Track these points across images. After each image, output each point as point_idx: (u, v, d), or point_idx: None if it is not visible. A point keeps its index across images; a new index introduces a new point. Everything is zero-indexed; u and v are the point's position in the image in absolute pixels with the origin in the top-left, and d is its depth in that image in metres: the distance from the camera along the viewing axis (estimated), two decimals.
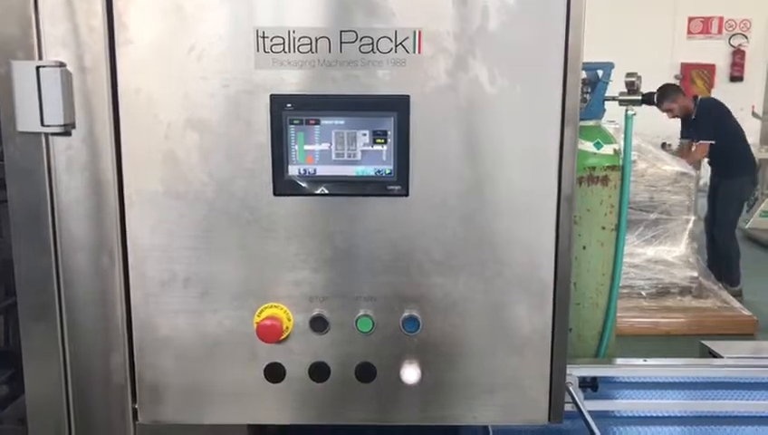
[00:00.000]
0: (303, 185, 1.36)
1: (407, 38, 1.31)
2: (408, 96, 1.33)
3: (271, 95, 1.32)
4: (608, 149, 2.72)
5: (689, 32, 10.55)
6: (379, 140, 1.34)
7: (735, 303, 5.81)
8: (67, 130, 1.33)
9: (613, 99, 2.71)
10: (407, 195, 1.36)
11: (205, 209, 1.37)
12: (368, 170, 1.35)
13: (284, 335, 1.39)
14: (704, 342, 2.58)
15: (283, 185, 1.36)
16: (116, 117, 1.34)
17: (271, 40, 1.31)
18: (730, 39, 10.69)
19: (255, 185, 1.36)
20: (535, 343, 1.42)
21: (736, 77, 10.69)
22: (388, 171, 1.35)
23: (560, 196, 1.36)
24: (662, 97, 6.21)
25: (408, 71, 1.32)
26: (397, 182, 1.36)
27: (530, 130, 1.35)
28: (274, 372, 1.42)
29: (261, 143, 1.35)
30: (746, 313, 5.66)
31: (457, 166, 1.36)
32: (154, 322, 1.41)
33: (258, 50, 1.31)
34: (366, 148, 1.35)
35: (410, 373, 1.41)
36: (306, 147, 1.35)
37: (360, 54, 1.31)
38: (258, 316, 1.39)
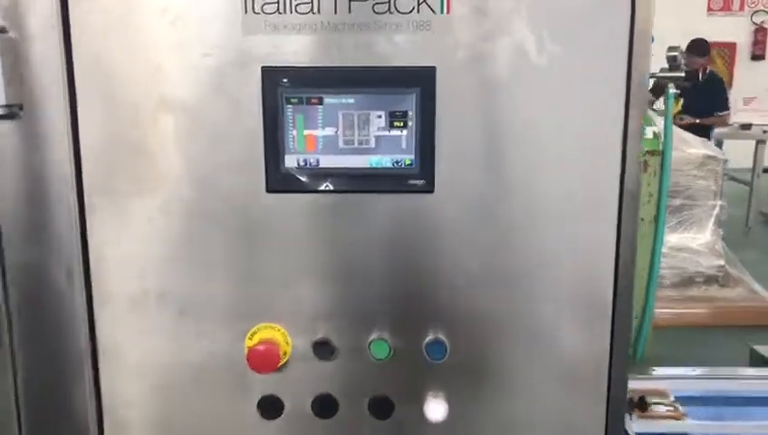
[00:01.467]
0: (303, 180, 1.09)
1: None
2: (434, 68, 1.06)
3: (262, 67, 1.06)
4: (647, 132, 2.44)
5: (709, 8, 10.17)
6: (397, 123, 1.08)
7: (765, 292, 5.52)
8: (12, 112, 1.07)
9: (653, 76, 2.42)
10: (431, 191, 1.10)
11: (182, 211, 1.11)
12: (383, 161, 1.09)
13: (282, 362, 1.14)
14: (755, 347, 2.32)
15: (279, 180, 1.09)
16: (72, 97, 1.08)
17: None
18: (752, 16, 10.30)
19: (244, 180, 1.10)
20: (588, 371, 1.15)
21: (758, 55, 10.32)
22: (408, 162, 1.09)
23: (622, 192, 1.10)
24: (698, 50, 6.52)
25: (434, 36, 1.05)
26: (419, 176, 1.09)
27: (586, 112, 1.08)
28: (270, 407, 1.16)
29: (251, 128, 1.08)
30: None
31: (495, 156, 1.09)
32: (123, 346, 1.15)
33: (246, 11, 1.05)
34: (381, 133, 1.08)
35: (435, 409, 1.15)
36: (307, 132, 1.08)
37: (374, 15, 1.05)
38: (250, 340, 1.14)
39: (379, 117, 1.08)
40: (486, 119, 1.08)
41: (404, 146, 1.08)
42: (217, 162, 1.10)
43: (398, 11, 1.04)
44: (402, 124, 1.08)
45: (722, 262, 5.64)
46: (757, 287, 5.61)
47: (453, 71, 1.06)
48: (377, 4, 1.04)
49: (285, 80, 1.06)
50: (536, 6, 1.04)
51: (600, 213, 1.10)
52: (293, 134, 1.08)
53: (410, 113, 1.07)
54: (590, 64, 1.06)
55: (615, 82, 1.07)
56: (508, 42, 1.05)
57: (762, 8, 10.28)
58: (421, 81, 1.06)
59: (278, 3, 1.04)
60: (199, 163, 1.10)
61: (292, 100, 1.07)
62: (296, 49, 1.06)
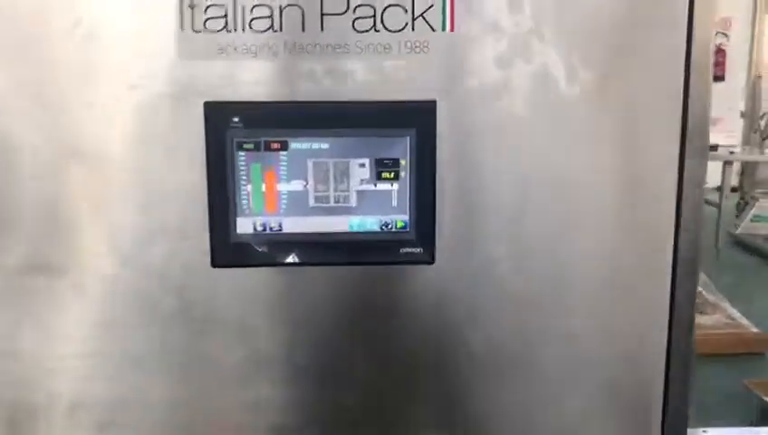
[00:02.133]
0: (262, 250, 0.83)
1: (431, 6, 0.79)
2: (434, 102, 0.81)
3: (206, 103, 0.79)
4: None
5: None
6: (386, 175, 0.82)
7: (743, 319, 5.38)
8: None
9: None
10: (431, 262, 0.84)
11: (102, 293, 0.84)
12: (368, 224, 0.83)
13: None
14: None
15: (228, 251, 0.83)
16: None
17: (204, 11, 0.78)
18: None
19: (184, 251, 0.83)
20: None
21: (718, 77, 10.34)
22: (401, 224, 0.83)
23: (676, 260, 0.85)
24: None
25: (434, 60, 0.80)
26: (415, 242, 0.83)
27: (630, 154, 0.84)
28: None
29: (191, 183, 0.81)
30: (755, 329, 5.23)
31: (514, 213, 0.84)
32: None
33: (184, 28, 0.78)
34: (365, 187, 0.82)
35: None
36: (266, 187, 0.82)
37: (355, 34, 0.79)
38: None
39: (362, 166, 0.82)
40: (502, 166, 0.83)
41: (395, 204, 0.83)
42: (147, 228, 0.82)
43: (387, 28, 0.79)
44: (392, 176, 0.82)
45: (698, 288, 5.49)
46: (735, 314, 5.48)
47: (458, 105, 0.81)
48: (358, 19, 0.78)
49: (236, 119, 0.80)
50: (565, 23, 0.80)
51: (649, 288, 0.86)
52: (248, 190, 0.81)
53: (403, 162, 0.82)
54: (633, 95, 0.82)
55: (667, 116, 0.83)
56: (530, 68, 0.81)
57: (719, 30, 10.32)
58: (417, 119, 0.81)
59: (226, 17, 0.78)
60: (123, 229, 0.82)
61: (246, 145, 0.80)
62: (251, 78, 0.80)
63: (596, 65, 0.81)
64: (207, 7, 0.78)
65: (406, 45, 0.79)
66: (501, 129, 0.82)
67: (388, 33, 0.79)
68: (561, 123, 0.82)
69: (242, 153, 0.81)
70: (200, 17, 0.78)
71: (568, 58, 0.81)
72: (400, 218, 0.83)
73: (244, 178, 0.81)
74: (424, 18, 0.79)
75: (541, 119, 0.82)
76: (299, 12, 0.78)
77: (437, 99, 0.81)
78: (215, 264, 0.83)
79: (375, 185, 0.82)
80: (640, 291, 0.86)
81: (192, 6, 0.77)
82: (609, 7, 0.80)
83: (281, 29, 0.78)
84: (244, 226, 0.82)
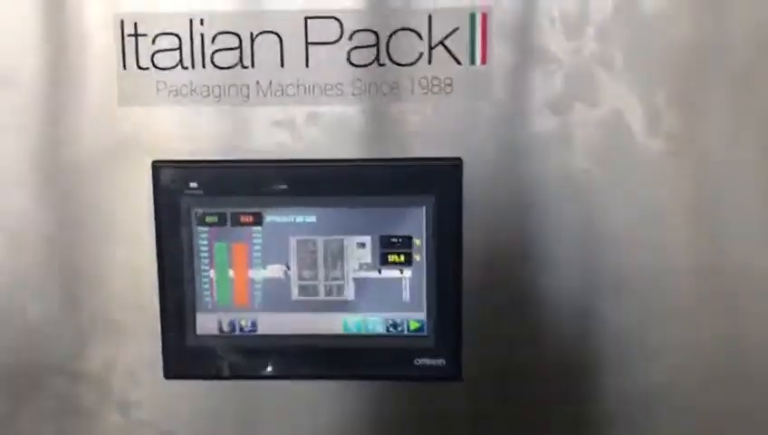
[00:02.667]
0: (229, 358, 0.62)
1: (455, 30, 0.57)
2: (460, 160, 0.59)
3: (154, 163, 0.60)
4: None
5: None
6: (394, 258, 0.60)
7: None
8: None
9: None
10: (457, 377, 0.61)
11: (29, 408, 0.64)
12: (370, 323, 0.61)
13: None
14: None
15: (186, 358, 0.62)
16: None
17: (152, 41, 0.59)
18: None
19: (128, 357, 0.63)
20: None
21: None
22: (415, 325, 0.61)
23: None
24: None
25: (459, 104, 0.58)
26: (436, 350, 0.61)
27: (737, 226, 0.59)
28: None
29: (135, 266, 0.62)
30: None
31: (571, 313, 0.61)
32: None
33: (125, 63, 0.59)
34: (366, 274, 0.60)
35: None
36: (235, 273, 0.61)
37: (351, 70, 0.58)
38: None
39: (362, 246, 0.60)
40: (551, 247, 0.60)
41: (406, 297, 0.60)
42: (78, 325, 0.63)
43: (394, 60, 0.58)
44: (403, 259, 0.60)
45: None
46: None
47: (492, 165, 0.59)
48: (356, 49, 0.58)
49: (195, 183, 0.60)
50: (642, 50, 0.57)
51: None
52: (211, 277, 0.61)
53: (417, 240, 0.60)
54: (736, 153, 0.58)
55: None
56: (595, 113, 0.58)
57: None
58: (436, 183, 0.59)
59: (180, 49, 0.59)
60: (47, 323, 0.63)
61: (209, 217, 0.60)
62: (214, 130, 0.60)
63: (688, 109, 0.58)
64: (156, 36, 0.58)
65: (420, 84, 0.58)
66: (551, 197, 0.59)
67: (395, 66, 0.58)
68: (637, 187, 0.59)
69: (203, 228, 0.60)
70: (147, 50, 0.59)
71: (649, 99, 0.57)
72: (414, 317, 0.61)
73: (205, 261, 0.61)
74: (444, 46, 0.57)
75: (611, 181, 0.59)
76: (276, 41, 0.58)
77: (464, 156, 0.59)
78: (168, 374, 0.62)
79: (379, 271, 0.60)
80: None
81: (137, 35, 0.58)
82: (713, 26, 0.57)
83: (252, 64, 0.58)
84: (205, 324, 0.62)
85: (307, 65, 0.58)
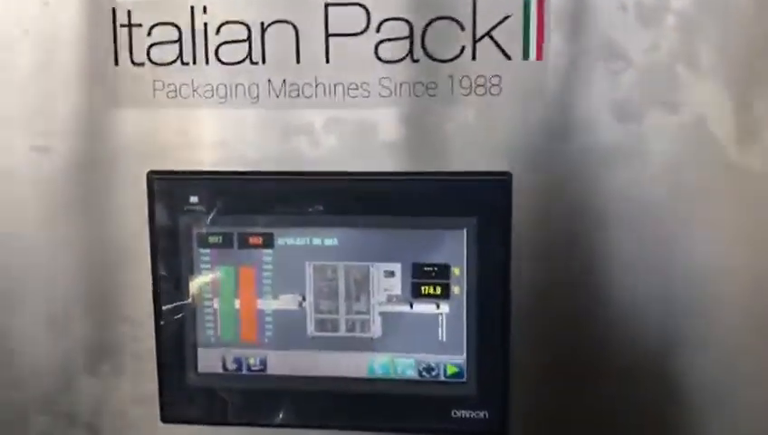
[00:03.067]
0: (232, 400, 0.53)
1: (505, 18, 0.48)
2: (508, 176, 0.49)
3: (150, 173, 0.51)
4: None
5: None
6: (428, 290, 0.51)
7: None
8: None
9: None
10: (501, 432, 0.51)
11: None
12: (399, 366, 0.52)
13: None
14: None
15: (185, 400, 0.54)
16: None
17: (148, 32, 0.50)
18: None
19: (118, 398, 0.55)
20: None
21: None
22: (453, 370, 0.51)
23: None
24: None
25: (509, 107, 0.48)
26: (477, 400, 0.51)
27: None
28: None
29: (128, 292, 0.53)
30: None
31: (643, 362, 0.50)
32: None
33: (117, 59, 0.51)
34: (395, 308, 0.51)
35: None
36: (242, 304, 0.52)
37: (380, 66, 0.49)
38: None
39: (391, 275, 0.51)
40: (619, 280, 0.50)
41: (443, 336, 0.51)
42: (60, 364, 0.55)
43: (430, 55, 0.48)
44: (439, 292, 0.50)
45: None
46: None
47: (546, 181, 0.49)
48: (385, 42, 0.48)
49: (195, 198, 0.51)
50: (734, 45, 0.47)
51: None
52: (214, 307, 0.52)
53: (456, 270, 0.50)
54: None
55: None
56: (674, 119, 0.48)
57: None
58: (480, 202, 0.49)
59: (180, 42, 0.50)
60: (23, 354, 0.55)
61: (212, 238, 0.52)
62: (219, 136, 0.51)
63: None
64: (153, 27, 0.50)
65: (462, 83, 0.48)
66: (616, 222, 0.49)
67: (432, 63, 0.48)
68: (720, 215, 0.48)
69: (204, 250, 0.52)
70: (142, 43, 0.50)
71: (740, 103, 0.47)
72: (452, 361, 0.51)
73: (208, 289, 0.52)
74: (492, 38, 0.48)
75: (687, 207, 0.48)
76: (291, 32, 0.49)
77: (513, 170, 0.49)
78: (165, 418, 0.54)
79: (411, 305, 0.51)
80: None
81: (131, 25, 0.50)
82: None
83: (263, 59, 0.50)
84: (208, 362, 0.53)
85: (327, 61, 0.49)
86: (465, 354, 0.51)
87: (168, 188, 0.51)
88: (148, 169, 0.51)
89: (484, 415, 0.51)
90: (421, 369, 0.52)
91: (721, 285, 0.49)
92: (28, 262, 0.54)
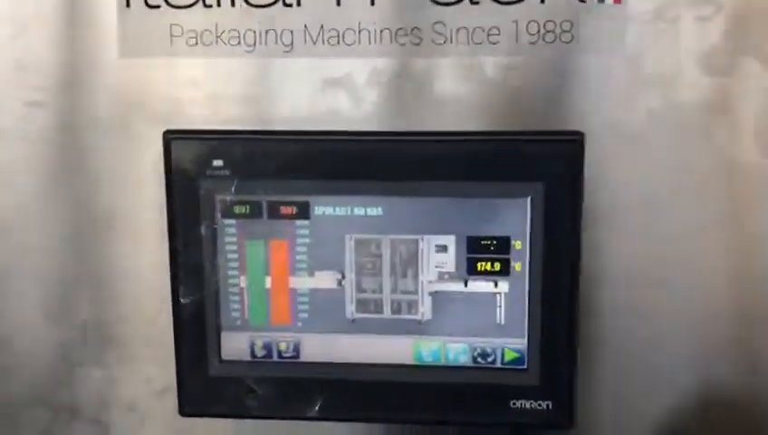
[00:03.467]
0: (261, 391, 0.47)
1: None
2: (581, 136, 0.43)
3: (165, 133, 0.45)
4: None
5: None
6: (486, 266, 0.45)
7: None
8: None
9: None
10: (567, 424, 0.46)
11: None
12: (452, 351, 0.46)
13: None
14: None
15: (208, 389, 0.47)
16: None
17: None
18: None
19: (130, 390, 0.49)
20: None
21: None
22: (512, 356, 0.46)
23: None
24: None
25: (582, 57, 0.42)
26: (540, 389, 0.45)
27: None
28: None
29: (141, 271, 0.47)
30: None
31: (729, 350, 0.45)
32: None
33: (129, 1, 0.44)
34: (448, 287, 0.45)
35: None
36: (273, 282, 0.46)
37: (434, 8, 0.43)
38: None
39: (443, 250, 0.45)
40: (700, 262, 0.44)
41: (501, 319, 0.45)
42: (61, 355, 0.48)
43: None
44: (498, 268, 0.45)
45: None
46: None
47: (624, 143, 0.43)
48: None
49: (220, 162, 0.45)
50: None
51: None
52: (241, 286, 0.46)
53: (517, 243, 0.44)
54: None
55: None
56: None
57: None
58: (548, 166, 0.43)
59: None
60: (34, 353, 0.49)
61: (238, 208, 0.45)
62: (246, 90, 0.45)
63: None
64: None
65: (528, 29, 0.42)
66: (702, 192, 0.43)
67: (494, 4, 0.42)
68: None
69: (230, 221, 0.45)
70: None
71: None
72: (511, 345, 0.45)
73: (234, 265, 0.46)
74: None
75: None
76: None
77: (585, 131, 0.43)
78: (184, 410, 0.48)
79: (466, 284, 0.45)
80: None
81: None
82: None
83: (298, 2, 0.43)
84: (233, 347, 0.47)
85: (372, 2, 0.43)
86: (526, 338, 0.45)
87: (188, 150, 0.45)
88: (164, 129, 0.45)
89: (548, 406, 0.46)
90: (476, 354, 0.46)
91: None
92: (22, 238, 0.47)
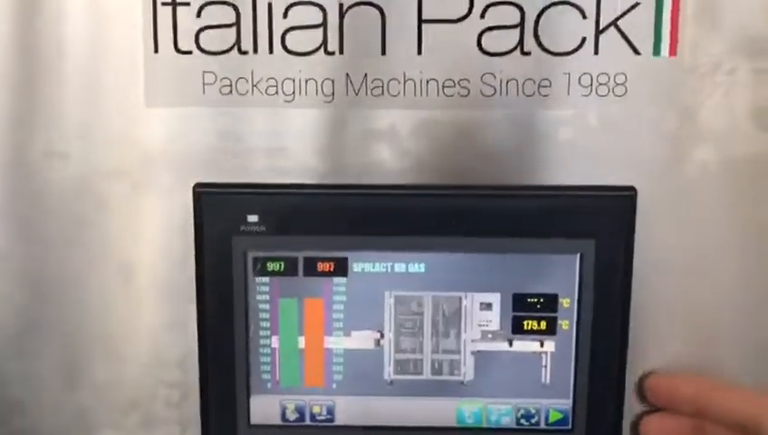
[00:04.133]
0: None
1: (634, 6, 0.40)
2: (634, 191, 0.42)
3: (197, 186, 0.42)
4: None
5: None
6: (532, 325, 0.43)
7: None
8: None
9: None
10: None
11: None
12: (495, 413, 0.44)
13: None
14: None
15: None
16: None
17: (198, 13, 0.41)
18: None
19: None
20: None
21: None
22: (557, 416, 0.44)
23: None
24: None
25: (635, 111, 0.41)
26: None
27: None
28: None
29: (161, 329, 0.44)
30: None
31: None
32: None
33: (157, 45, 0.41)
34: (491, 346, 0.43)
35: None
36: (307, 342, 0.44)
37: (482, 59, 0.41)
38: None
39: (488, 307, 0.43)
40: (749, 319, 0.43)
41: (546, 379, 0.43)
42: (82, 412, 0.45)
43: (544, 48, 0.40)
44: (545, 326, 0.43)
45: None
46: None
47: (677, 199, 0.42)
48: (489, 30, 0.40)
49: (254, 217, 0.42)
50: None
51: None
52: (273, 346, 0.44)
53: (565, 301, 0.43)
54: None
55: None
56: None
57: None
58: (599, 222, 0.42)
59: (238, 25, 0.41)
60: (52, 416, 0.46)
61: (271, 264, 0.43)
62: (282, 142, 0.42)
63: None
64: (203, 6, 0.40)
65: (581, 82, 0.41)
66: (753, 251, 0.42)
67: (546, 55, 0.41)
68: None
69: (263, 279, 0.43)
70: (189, 25, 0.41)
71: None
72: (556, 406, 0.44)
73: (266, 324, 0.43)
74: (618, 29, 0.40)
75: None
76: (376, 16, 0.40)
77: (641, 187, 0.42)
78: None
79: (510, 343, 0.43)
80: None
81: (174, 4, 0.40)
82: None
83: (340, 50, 0.41)
84: (264, 411, 0.44)
85: (419, 52, 0.41)
86: (571, 399, 0.44)
87: (219, 206, 0.42)
88: (194, 182, 0.42)
89: None
90: (519, 416, 0.44)
91: None
92: (40, 292, 0.44)
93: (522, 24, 0.40)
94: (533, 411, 0.44)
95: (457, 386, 0.44)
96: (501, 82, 0.41)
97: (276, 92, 0.41)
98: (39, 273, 0.44)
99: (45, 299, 0.44)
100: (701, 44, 0.40)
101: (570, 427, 0.44)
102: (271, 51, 0.41)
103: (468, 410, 0.44)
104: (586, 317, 0.43)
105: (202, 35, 0.41)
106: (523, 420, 0.44)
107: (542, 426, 0.44)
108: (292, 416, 0.44)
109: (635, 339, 0.43)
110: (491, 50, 0.41)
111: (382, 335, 0.43)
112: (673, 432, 0.42)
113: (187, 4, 0.40)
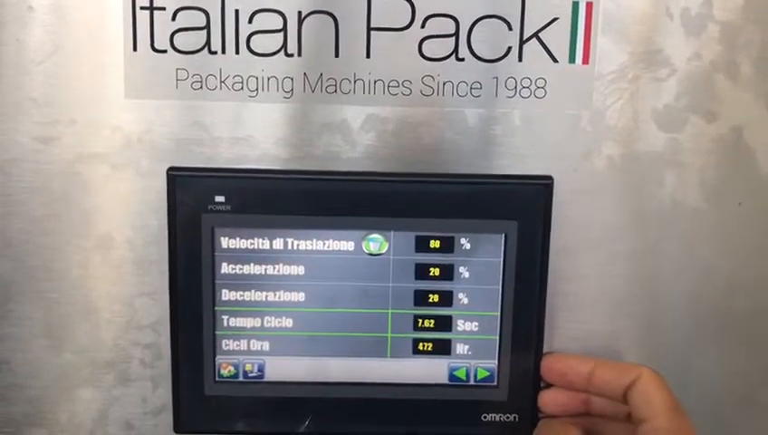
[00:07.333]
0: (255, 408, 0.51)
1: (553, 20, 0.47)
2: (551, 180, 0.48)
3: (170, 169, 0.48)
4: None
5: None
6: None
7: None
8: None
9: None
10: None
11: None
12: (434, 367, 0.51)
13: None
14: None
15: (202, 409, 0.51)
16: None
17: (173, 17, 0.46)
18: None
19: (125, 407, 0.51)
20: None
21: None
22: (483, 374, 0.51)
23: None
24: None
25: (553, 111, 0.48)
26: (507, 404, 0.51)
27: None
28: None
29: (136, 295, 0.50)
30: None
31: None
32: None
33: (136, 44, 0.46)
34: (428, 309, 0.50)
35: None
36: (269, 311, 0.50)
37: (423, 64, 0.47)
38: None
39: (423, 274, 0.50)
40: (653, 299, 0.51)
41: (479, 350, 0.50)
42: (63, 370, 0.51)
43: (477, 55, 0.47)
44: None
45: None
46: None
47: (588, 188, 0.49)
48: (429, 39, 0.46)
49: (222, 198, 0.48)
50: None
51: None
52: (231, 318, 0.49)
53: (493, 270, 0.49)
54: None
55: None
56: (712, 129, 0.48)
57: None
58: (521, 206, 0.49)
59: (208, 28, 0.46)
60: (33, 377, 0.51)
61: (231, 244, 0.49)
62: (247, 132, 0.48)
63: None
64: (177, 11, 0.46)
65: (507, 85, 0.47)
66: (656, 235, 0.50)
67: (478, 62, 0.47)
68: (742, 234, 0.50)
69: (225, 257, 0.49)
70: (164, 28, 0.46)
71: None
72: (483, 365, 0.51)
73: (224, 292, 0.49)
74: (540, 40, 0.47)
75: (717, 224, 0.50)
76: (330, 24, 0.46)
77: (556, 176, 0.48)
78: (180, 428, 0.51)
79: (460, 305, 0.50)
80: None
81: (151, 8, 0.46)
82: None
83: (299, 52, 0.47)
84: (226, 368, 0.50)
85: (368, 55, 0.47)
86: (496, 359, 0.51)
87: (190, 188, 0.48)
88: (168, 166, 0.47)
89: (515, 418, 0.51)
90: (450, 372, 0.51)
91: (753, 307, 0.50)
92: (26, 263, 0.49)
93: (457, 34, 0.46)
94: (464, 368, 0.51)
95: (383, 344, 0.50)
96: (438, 83, 0.47)
97: (242, 88, 0.47)
98: (25, 244, 0.49)
99: (31, 269, 0.49)
100: (609, 55, 0.47)
101: (495, 383, 0.51)
102: (237, 51, 0.46)
103: (415, 366, 0.51)
104: (509, 288, 0.49)
105: (176, 36, 0.46)
106: (453, 378, 0.51)
107: (472, 383, 0.51)
108: (253, 372, 0.50)
109: (551, 306, 0.50)
110: (430, 55, 0.47)
111: (336, 299, 0.50)
112: (565, 405, 0.49)
113: (163, 8, 0.46)
